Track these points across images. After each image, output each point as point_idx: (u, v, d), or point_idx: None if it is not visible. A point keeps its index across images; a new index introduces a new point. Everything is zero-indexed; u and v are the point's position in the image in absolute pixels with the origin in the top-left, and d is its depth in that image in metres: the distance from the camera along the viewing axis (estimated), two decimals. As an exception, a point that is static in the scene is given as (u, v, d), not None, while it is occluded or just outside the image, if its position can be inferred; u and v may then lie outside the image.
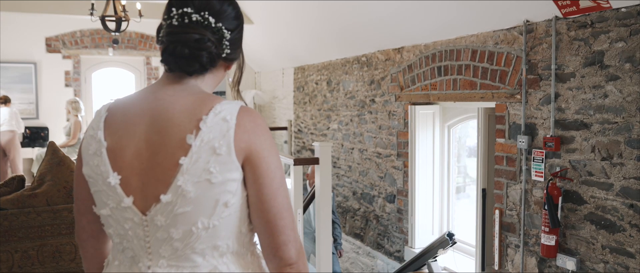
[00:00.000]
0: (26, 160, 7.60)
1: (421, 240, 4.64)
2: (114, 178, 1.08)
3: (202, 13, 1.09)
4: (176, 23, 1.10)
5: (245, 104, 1.16)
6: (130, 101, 1.15)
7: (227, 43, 1.13)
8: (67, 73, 7.80)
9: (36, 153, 6.80)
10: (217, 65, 1.16)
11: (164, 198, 1.05)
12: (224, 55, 1.14)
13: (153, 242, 1.08)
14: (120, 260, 1.15)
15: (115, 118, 1.12)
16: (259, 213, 1.09)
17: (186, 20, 1.09)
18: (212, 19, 1.10)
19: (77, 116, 6.85)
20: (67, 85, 7.80)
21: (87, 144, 1.13)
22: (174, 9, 1.11)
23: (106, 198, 1.10)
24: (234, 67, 1.24)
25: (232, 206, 1.07)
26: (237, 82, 1.25)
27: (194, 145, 1.04)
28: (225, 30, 1.12)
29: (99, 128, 1.12)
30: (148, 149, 1.07)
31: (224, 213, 1.07)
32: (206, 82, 1.17)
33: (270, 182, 1.08)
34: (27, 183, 3.14)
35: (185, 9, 1.10)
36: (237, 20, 1.17)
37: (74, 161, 3.29)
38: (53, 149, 3.16)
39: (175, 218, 1.05)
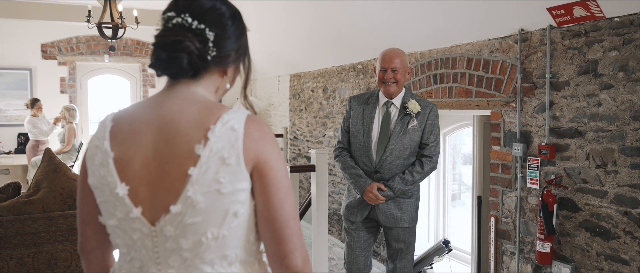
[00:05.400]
0: (21, 167, 7.57)
1: (417, 247, 4.64)
2: (122, 189, 1.06)
3: (183, 15, 1.08)
4: (161, 28, 1.11)
5: (255, 112, 1.16)
6: (135, 111, 1.14)
7: (211, 44, 1.09)
8: (62, 79, 7.79)
9: (32, 159, 6.77)
10: (209, 69, 1.13)
11: (173, 208, 1.04)
12: (209, 57, 1.10)
13: (162, 252, 1.08)
14: (127, 269, 1.14)
15: (121, 128, 1.11)
16: (266, 222, 1.09)
17: (169, 25, 1.09)
18: (191, 21, 1.08)
19: (71, 123, 6.83)
20: (62, 91, 7.79)
21: (92, 154, 1.12)
22: (161, 16, 1.12)
23: (113, 209, 1.09)
24: (232, 73, 1.20)
25: (241, 216, 1.07)
26: (244, 87, 1.24)
27: (203, 155, 1.03)
28: (208, 32, 1.09)
29: (104, 138, 1.10)
30: (156, 159, 1.06)
31: (233, 223, 1.06)
32: (204, 87, 1.14)
33: (278, 191, 1.08)
34: (23, 190, 3.13)
35: (168, 14, 1.10)
36: (230, 21, 1.13)
37: (69, 167, 3.29)
38: (49, 156, 3.15)
39: (185, 229, 1.04)
